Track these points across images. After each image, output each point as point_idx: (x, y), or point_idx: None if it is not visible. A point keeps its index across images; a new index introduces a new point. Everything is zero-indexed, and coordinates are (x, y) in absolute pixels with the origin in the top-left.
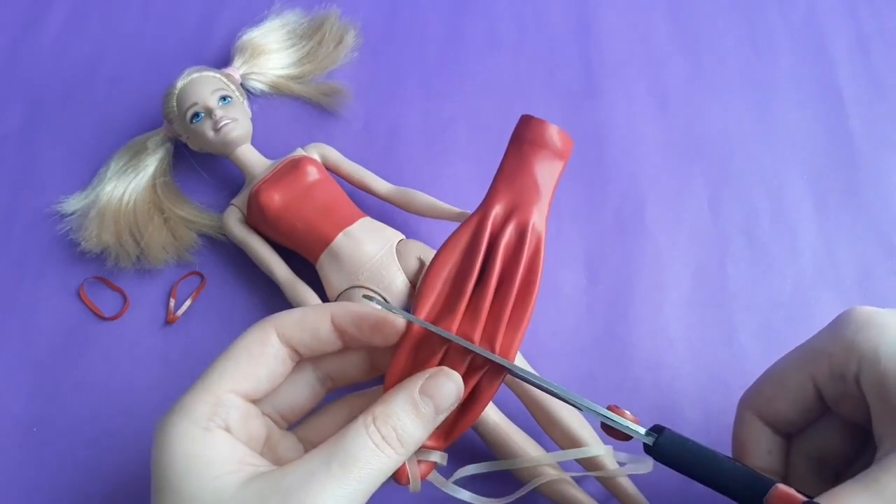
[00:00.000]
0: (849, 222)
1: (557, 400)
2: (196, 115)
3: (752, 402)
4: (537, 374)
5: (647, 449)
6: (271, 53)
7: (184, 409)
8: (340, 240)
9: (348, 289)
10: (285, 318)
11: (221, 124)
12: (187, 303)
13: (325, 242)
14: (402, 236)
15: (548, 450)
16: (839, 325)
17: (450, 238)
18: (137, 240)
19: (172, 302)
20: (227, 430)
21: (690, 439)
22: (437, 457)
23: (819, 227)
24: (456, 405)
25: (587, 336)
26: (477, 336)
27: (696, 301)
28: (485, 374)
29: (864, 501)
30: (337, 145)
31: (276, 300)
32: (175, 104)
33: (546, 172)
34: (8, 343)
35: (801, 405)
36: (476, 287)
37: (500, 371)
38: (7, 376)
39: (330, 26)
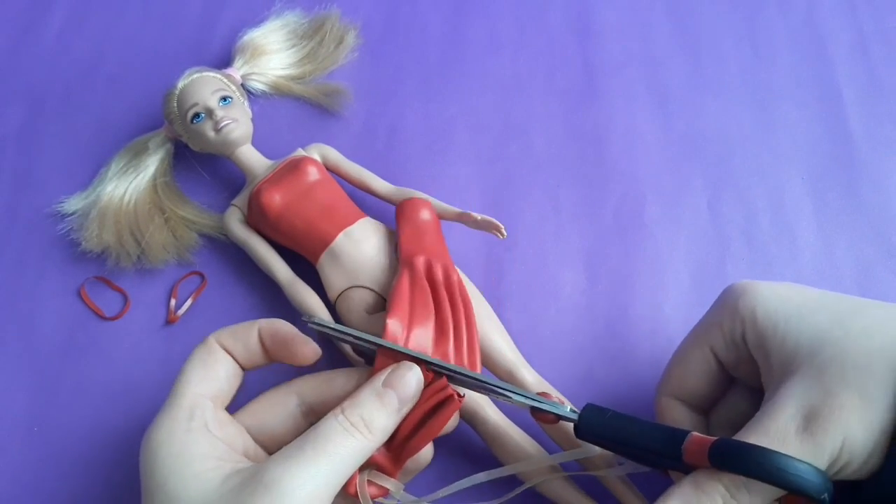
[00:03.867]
0: (848, 222)
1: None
2: (197, 115)
3: (665, 386)
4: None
5: (575, 428)
6: (272, 54)
7: (163, 416)
8: (341, 240)
9: (348, 289)
10: (222, 331)
11: (222, 125)
12: (188, 303)
13: (325, 242)
14: None
15: (547, 449)
16: (724, 297)
17: (395, 286)
18: (138, 240)
19: (173, 302)
20: (206, 426)
21: (611, 409)
22: (391, 485)
23: (818, 227)
24: (417, 396)
25: (587, 336)
26: (450, 351)
27: (696, 301)
28: (440, 399)
29: (755, 441)
30: (337, 145)
31: (276, 300)
32: (176, 104)
33: (433, 230)
34: (8, 343)
35: (708, 378)
36: (436, 316)
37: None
38: (7, 376)
39: (330, 27)
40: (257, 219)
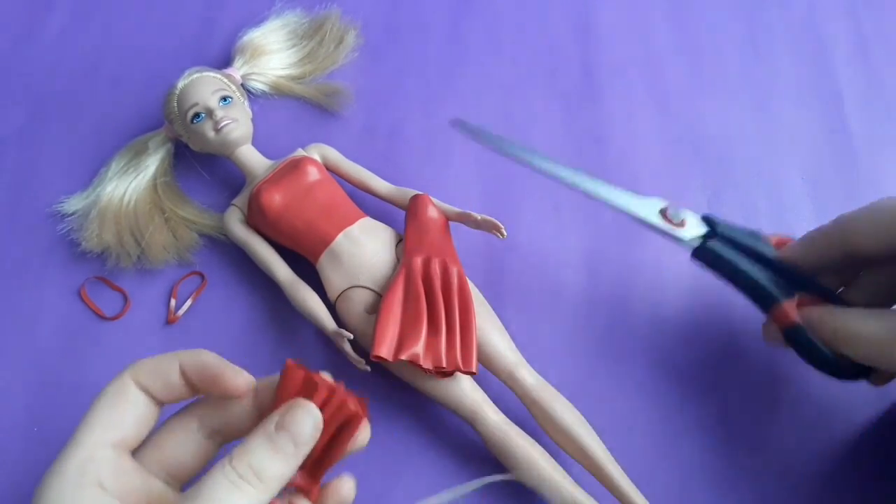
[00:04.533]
0: None
1: (556, 401)
2: (197, 115)
3: (844, 223)
4: None
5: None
6: (272, 54)
7: (55, 470)
8: (340, 240)
9: (348, 289)
10: (140, 366)
11: (222, 125)
12: (188, 303)
13: (325, 242)
14: (402, 237)
15: (546, 448)
16: None
17: (389, 287)
18: (138, 240)
19: (173, 302)
20: (100, 485)
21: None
22: None
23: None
24: (315, 437)
25: (587, 336)
26: (442, 348)
27: (696, 301)
28: (343, 419)
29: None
30: (337, 145)
31: (276, 300)
32: (176, 104)
33: (438, 227)
34: (8, 343)
35: (888, 243)
36: (428, 316)
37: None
38: (7, 376)
39: (330, 27)
40: (257, 219)
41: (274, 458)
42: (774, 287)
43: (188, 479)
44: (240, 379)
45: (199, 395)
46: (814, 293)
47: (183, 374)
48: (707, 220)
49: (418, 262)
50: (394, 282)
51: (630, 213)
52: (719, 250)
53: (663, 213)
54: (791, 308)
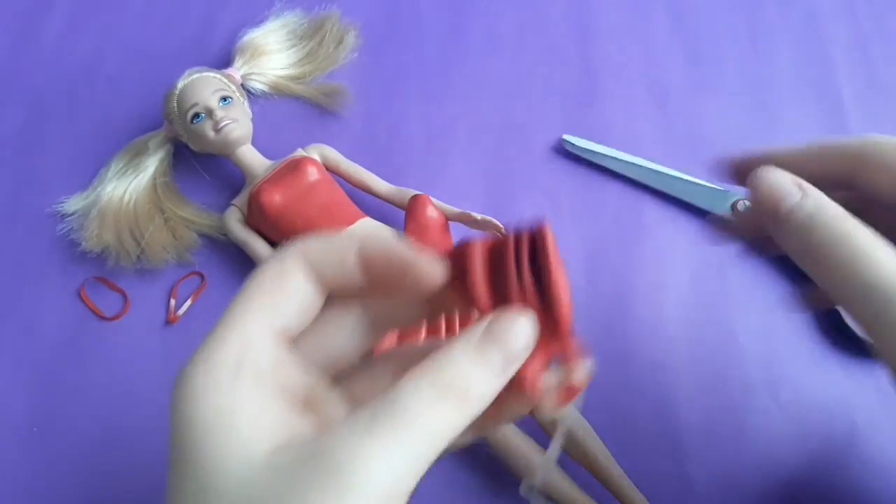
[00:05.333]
0: None
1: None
2: (197, 115)
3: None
4: None
5: None
6: (272, 54)
7: (206, 355)
8: None
9: None
10: (311, 244)
11: (222, 125)
12: (188, 303)
13: None
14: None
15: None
16: None
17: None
18: (138, 240)
19: (173, 302)
20: (258, 379)
21: None
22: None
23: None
24: (530, 347)
25: (587, 336)
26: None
27: (696, 301)
28: None
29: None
30: (337, 145)
31: None
32: (176, 105)
33: (438, 227)
34: (8, 343)
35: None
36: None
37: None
38: (7, 376)
39: (330, 27)
40: (257, 219)
41: (481, 370)
42: None
43: (342, 373)
44: (437, 269)
45: (373, 287)
46: None
47: (361, 259)
48: None
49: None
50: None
51: (699, 206)
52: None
53: (734, 205)
54: None
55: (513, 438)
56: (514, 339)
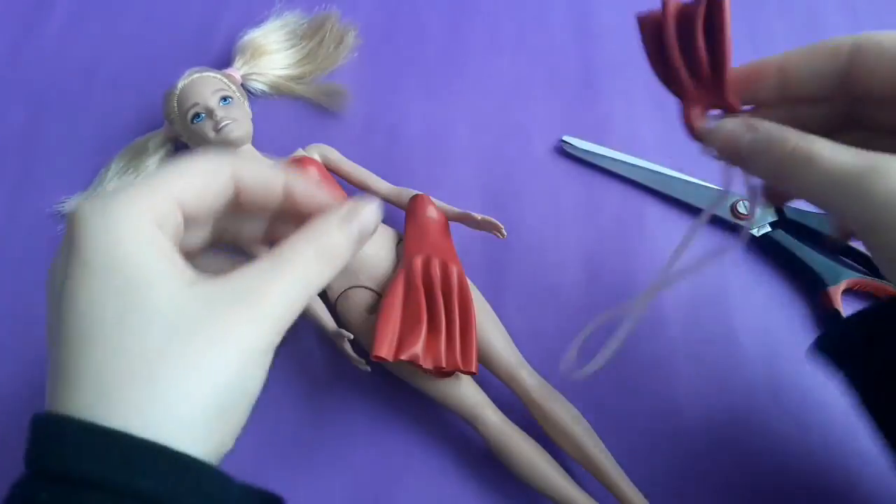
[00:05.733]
0: None
1: (556, 401)
2: (197, 115)
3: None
4: None
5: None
6: (272, 54)
7: (134, 198)
8: None
9: (348, 289)
10: (244, 164)
11: (222, 125)
12: None
13: None
14: (401, 236)
15: (546, 448)
16: None
17: (389, 287)
18: None
19: None
20: (173, 236)
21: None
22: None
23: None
24: (375, 229)
25: (587, 343)
26: (442, 348)
27: (696, 302)
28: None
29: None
30: (337, 145)
31: None
32: (176, 105)
33: (437, 227)
34: (8, 343)
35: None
36: (428, 317)
37: None
38: (8, 376)
39: (330, 27)
40: None
41: (344, 239)
42: (826, 272)
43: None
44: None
45: (285, 216)
46: (872, 276)
47: (285, 193)
48: (777, 207)
49: (418, 262)
50: (394, 282)
51: (699, 207)
52: (779, 239)
53: (733, 207)
54: (836, 293)
55: (510, 435)
56: (366, 218)
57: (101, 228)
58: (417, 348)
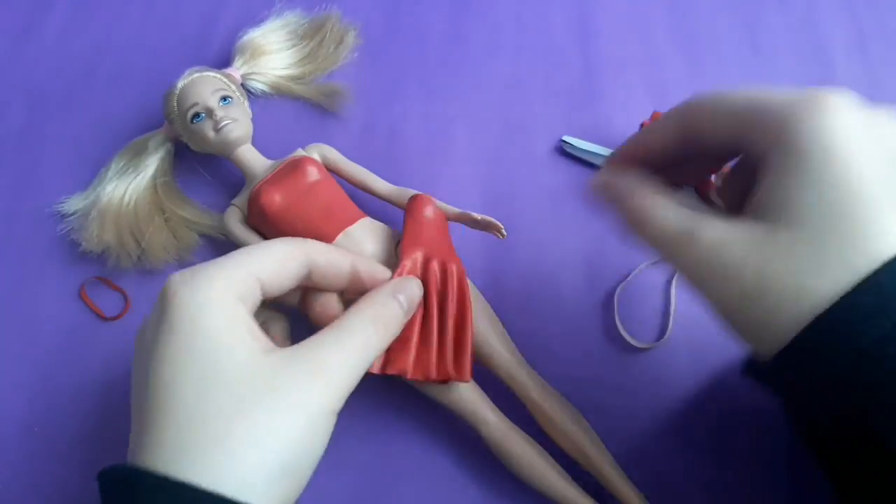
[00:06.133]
0: None
1: (557, 404)
2: (196, 115)
3: (688, 107)
4: None
5: None
6: (272, 54)
7: (211, 281)
8: (340, 240)
9: None
10: (318, 248)
11: (222, 124)
12: None
13: (325, 242)
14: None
15: (546, 448)
16: (795, 95)
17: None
18: (138, 240)
19: None
20: (251, 308)
21: None
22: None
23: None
24: (418, 303)
25: (588, 337)
26: (433, 358)
27: (697, 301)
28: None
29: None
30: (337, 145)
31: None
32: (175, 104)
33: (436, 226)
34: (8, 343)
35: (718, 136)
36: (421, 324)
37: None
38: (7, 376)
39: (330, 27)
40: (257, 219)
41: (395, 308)
42: None
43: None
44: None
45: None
46: None
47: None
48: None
49: (416, 263)
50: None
51: None
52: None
53: None
54: None
55: (510, 435)
56: (413, 290)
57: (188, 299)
58: (407, 362)
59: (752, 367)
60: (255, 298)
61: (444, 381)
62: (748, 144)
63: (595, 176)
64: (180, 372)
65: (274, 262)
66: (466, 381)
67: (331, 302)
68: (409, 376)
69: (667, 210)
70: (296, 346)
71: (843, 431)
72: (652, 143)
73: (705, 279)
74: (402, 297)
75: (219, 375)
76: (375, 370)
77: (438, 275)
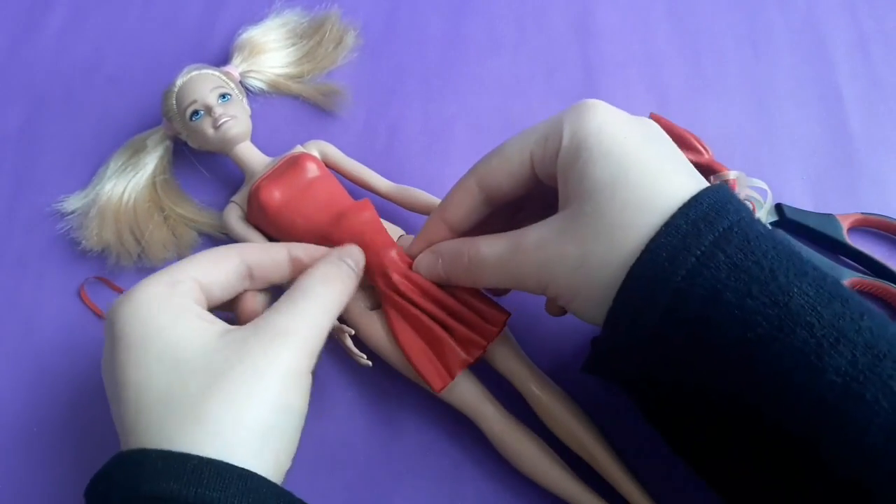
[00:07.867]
0: None
1: (559, 399)
2: (195, 112)
3: (477, 169)
4: None
5: None
6: (270, 52)
7: (164, 280)
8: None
9: None
10: (247, 247)
11: (221, 122)
12: None
13: (324, 239)
14: (402, 232)
15: (549, 443)
16: (564, 111)
17: (389, 325)
18: (138, 238)
19: None
20: (191, 296)
21: None
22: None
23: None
24: (363, 266)
25: (590, 332)
26: (469, 334)
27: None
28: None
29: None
30: (337, 145)
31: (276, 297)
32: (174, 102)
33: (371, 230)
34: (8, 343)
35: (517, 179)
36: (434, 321)
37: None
38: (7, 376)
39: (330, 26)
40: (257, 216)
41: (344, 269)
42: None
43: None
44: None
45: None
46: (872, 276)
47: (292, 261)
48: (777, 207)
49: (381, 283)
50: (389, 318)
51: None
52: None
53: None
54: None
55: (513, 430)
56: (356, 254)
57: (132, 314)
58: (457, 355)
59: (594, 362)
60: (197, 294)
61: (494, 337)
62: (541, 169)
63: (418, 259)
64: (144, 379)
65: (207, 262)
66: (508, 315)
67: (251, 298)
68: (472, 362)
69: (492, 244)
70: (254, 320)
71: (677, 389)
72: (453, 216)
73: (543, 276)
74: (348, 259)
75: (182, 366)
76: (448, 382)
77: (404, 278)
